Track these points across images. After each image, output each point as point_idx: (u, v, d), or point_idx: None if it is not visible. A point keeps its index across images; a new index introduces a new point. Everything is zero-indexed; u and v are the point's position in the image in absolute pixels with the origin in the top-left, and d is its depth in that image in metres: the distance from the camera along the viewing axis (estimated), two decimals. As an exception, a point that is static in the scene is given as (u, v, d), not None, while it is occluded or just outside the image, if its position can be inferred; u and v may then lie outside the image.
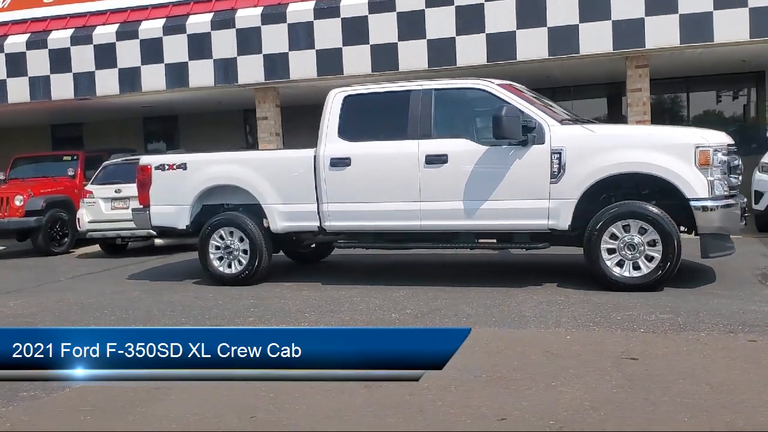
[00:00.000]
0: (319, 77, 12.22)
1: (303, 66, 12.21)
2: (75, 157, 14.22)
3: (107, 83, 13.27)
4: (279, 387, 4.28)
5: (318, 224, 8.06)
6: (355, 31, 11.92)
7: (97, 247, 13.09)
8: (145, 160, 8.99)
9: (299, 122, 14.96)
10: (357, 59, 11.93)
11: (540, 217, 7.16)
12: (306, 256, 9.99)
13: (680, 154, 6.76)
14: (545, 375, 4.45)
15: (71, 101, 13.83)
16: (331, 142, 7.94)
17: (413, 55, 11.67)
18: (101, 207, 12.12)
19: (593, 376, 4.39)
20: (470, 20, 11.43)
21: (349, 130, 7.92)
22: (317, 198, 7.98)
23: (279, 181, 8.16)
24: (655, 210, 6.80)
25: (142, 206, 8.96)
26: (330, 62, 12.08)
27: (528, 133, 7.07)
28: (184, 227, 8.69)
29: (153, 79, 12.99)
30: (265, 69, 12.44)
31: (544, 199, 7.11)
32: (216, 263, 8.47)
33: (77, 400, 4.42)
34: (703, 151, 6.72)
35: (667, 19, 10.76)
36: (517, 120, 6.99)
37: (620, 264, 6.93)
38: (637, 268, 6.89)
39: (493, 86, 7.49)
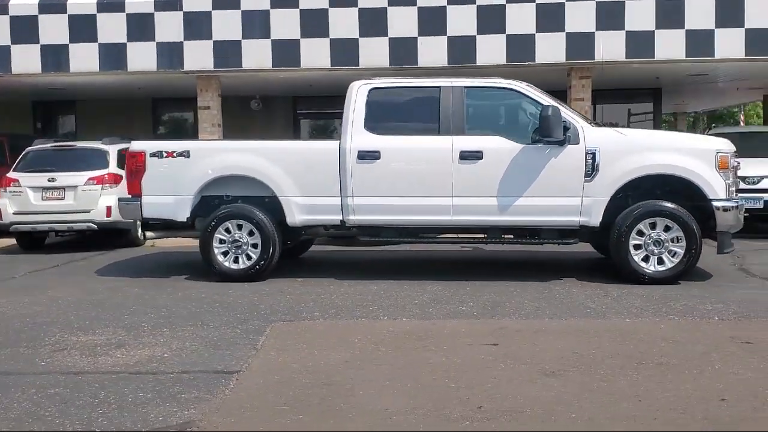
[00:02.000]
0: (274, 68, 11.82)
1: (257, 55, 11.74)
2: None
3: (26, 60, 11.94)
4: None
5: (340, 218, 7.87)
6: (315, 23, 11.68)
7: (7, 242, 11.77)
8: (137, 145, 8.24)
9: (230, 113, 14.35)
10: (315, 52, 11.69)
11: (573, 214, 7.49)
12: (287, 252, 9.64)
13: (704, 158, 7.38)
14: (697, 360, 4.72)
15: (-21, 78, 12.31)
16: (357, 134, 7.78)
17: (376, 51, 11.65)
18: (30, 197, 10.92)
19: (739, 359, 4.73)
20: (432, 22, 11.62)
21: (377, 123, 7.81)
22: (341, 191, 7.79)
23: (299, 173, 7.86)
24: (681, 209, 7.37)
25: (131, 196, 8.23)
26: (286, 53, 11.72)
27: (564, 134, 7.39)
28: (185, 219, 8.12)
29: (84, 59, 11.87)
30: (214, 56, 11.81)
31: (578, 196, 7.46)
32: (220, 258, 8.00)
33: (257, 396, 4.07)
34: (723, 156, 7.39)
35: (615, 35, 11.61)
36: (560, 120, 7.28)
37: (645, 259, 7.44)
38: (661, 262, 7.43)
39: (524, 87, 7.74)
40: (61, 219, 10.82)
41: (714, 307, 6.35)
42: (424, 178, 7.67)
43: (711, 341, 5.22)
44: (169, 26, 11.78)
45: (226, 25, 11.74)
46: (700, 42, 11.53)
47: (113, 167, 11.23)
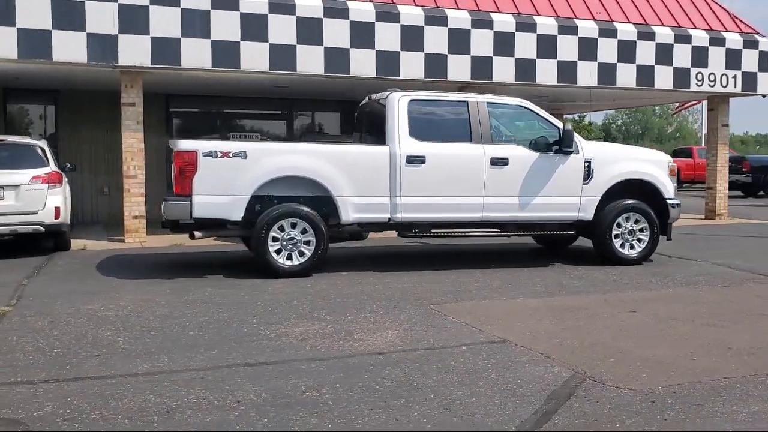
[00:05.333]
0: (214, 68, 11.76)
1: (196, 55, 11.58)
2: None
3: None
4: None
5: (388, 215, 8.69)
6: (256, 27, 11.89)
7: None
8: (187, 144, 8.13)
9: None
10: (255, 56, 11.92)
11: (573, 210, 9.27)
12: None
13: (661, 166, 9.67)
14: (774, 310, 6.74)
15: None
16: (404, 140, 8.69)
17: (311, 59, 12.24)
18: (-38, 197, 9.66)
19: (794, 308, 6.85)
20: (362, 36, 12.59)
21: (419, 131, 8.79)
22: (390, 191, 8.62)
23: (354, 175, 8.52)
24: (646, 205, 9.52)
25: (178, 195, 8.11)
26: (226, 55, 11.76)
27: (570, 145, 9.14)
28: (239, 219, 8.26)
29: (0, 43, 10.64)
30: (152, 52, 11.37)
31: (577, 196, 9.25)
32: (275, 255, 8.32)
33: (593, 356, 5.07)
34: (672, 165, 9.76)
35: (506, 61, 13.69)
36: (573, 134, 9.02)
37: (622, 245, 9.48)
38: (632, 248, 9.53)
39: (532, 104, 9.34)
40: (3, 222, 9.76)
41: (701, 279, 8.52)
42: (463, 180, 8.85)
43: (755, 303, 7.26)
44: (101, 17, 11.07)
45: (165, 20, 11.41)
46: (566, 71, 14.15)
47: (53, 165, 10.41)
